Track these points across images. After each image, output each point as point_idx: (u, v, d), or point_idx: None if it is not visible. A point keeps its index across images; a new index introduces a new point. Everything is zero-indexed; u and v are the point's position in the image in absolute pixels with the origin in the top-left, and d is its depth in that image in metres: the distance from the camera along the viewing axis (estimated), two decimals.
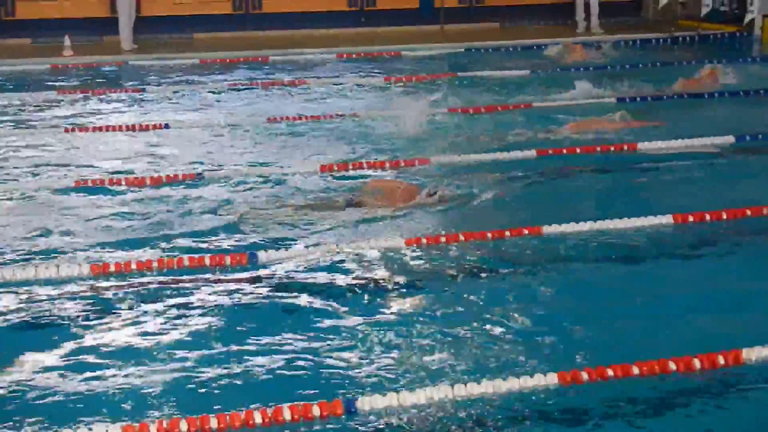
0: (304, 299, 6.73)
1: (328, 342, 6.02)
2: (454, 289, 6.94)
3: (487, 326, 6.24)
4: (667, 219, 8.15)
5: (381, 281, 7.05)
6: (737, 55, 17.67)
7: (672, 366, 5.50)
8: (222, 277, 7.12)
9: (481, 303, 6.64)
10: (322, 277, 7.10)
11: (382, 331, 6.17)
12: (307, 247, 7.64)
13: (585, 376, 5.37)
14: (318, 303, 6.65)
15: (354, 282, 7.05)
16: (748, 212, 8.36)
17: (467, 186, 9.24)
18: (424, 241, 7.68)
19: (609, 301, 6.77)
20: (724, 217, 8.27)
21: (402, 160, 10.15)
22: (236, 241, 7.87)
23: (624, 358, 5.54)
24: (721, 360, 5.60)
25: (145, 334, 6.19)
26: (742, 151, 10.64)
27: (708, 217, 8.26)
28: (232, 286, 6.94)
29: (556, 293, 6.87)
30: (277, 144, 11.25)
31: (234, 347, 5.94)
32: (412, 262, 7.41)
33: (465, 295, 6.75)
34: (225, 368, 5.68)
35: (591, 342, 6.03)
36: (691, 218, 8.21)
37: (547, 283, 7.03)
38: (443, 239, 7.73)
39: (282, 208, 8.67)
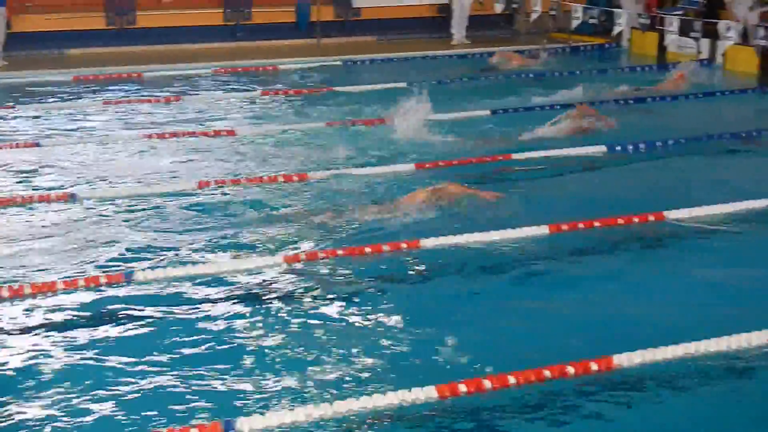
0: (187, 317, 6.68)
1: (208, 363, 5.98)
2: (328, 308, 6.94)
3: (364, 342, 6.28)
4: (542, 229, 8.32)
5: (256, 299, 7.03)
6: (607, 65, 18.14)
7: (547, 373, 5.61)
8: (97, 296, 7.03)
9: (357, 320, 6.68)
10: (195, 294, 7.06)
11: (262, 351, 6.15)
12: (184, 264, 7.58)
13: (463, 388, 5.43)
14: (197, 323, 6.61)
15: (229, 300, 7.01)
16: (620, 221, 8.59)
17: (342, 203, 9.27)
18: (303, 256, 7.70)
19: (486, 312, 6.87)
20: (597, 225, 8.48)
21: (281, 175, 10.12)
22: (113, 260, 7.76)
23: (499, 368, 5.63)
24: (594, 366, 5.73)
25: None
26: (614, 160, 10.88)
27: (581, 226, 8.45)
28: (109, 307, 6.85)
29: (435, 306, 6.95)
30: (153, 161, 11.09)
31: (108, 374, 5.86)
32: (293, 279, 7.41)
33: (339, 314, 6.78)
34: (97, 393, 5.60)
35: (468, 353, 6.12)
36: (565, 227, 8.39)
37: (424, 295, 7.11)
38: (321, 255, 7.74)
39: (160, 226, 8.59)
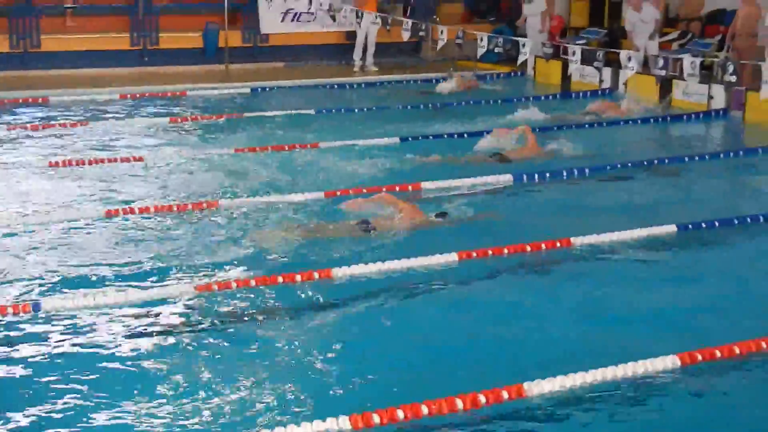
0: (95, 347, 6.61)
1: (112, 393, 5.94)
2: (241, 337, 6.91)
3: (276, 371, 6.29)
4: (452, 257, 8.42)
5: (166, 329, 7.00)
6: (514, 93, 18.42)
7: (459, 404, 5.67)
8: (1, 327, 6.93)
9: (268, 349, 6.68)
10: (103, 325, 6.99)
11: (169, 381, 6.14)
12: (92, 294, 7.50)
13: (376, 418, 5.47)
14: (104, 353, 6.55)
15: (138, 330, 6.97)
16: (529, 247, 8.75)
17: (253, 230, 9.27)
18: (215, 287, 7.68)
19: (396, 340, 6.93)
20: (506, 252, 8.61)
21: (190, 203, 10.08)
22: (18, 290, 7.64)
23: (414, 397, 5.69)
24: (504, 395, 5.82)
25: None
26: (520, 189, 11.06)
27: (490, 252, 8.58)
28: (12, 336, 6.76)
29: (345, 335, 6.99)
30: (59, 189, 10.91)
31: (8, 404, 5.78)
32: (204, 308, 7.39)
33: (251, 344, 6.76)
34: None
35: (383, 382, 6.18)
36: (474, 254, 8.50)
37: (335, 324, 7.15)
38: (234, 284, 7.73)
39: (66, 255, 8.49)
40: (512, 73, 20.18)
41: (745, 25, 17.06)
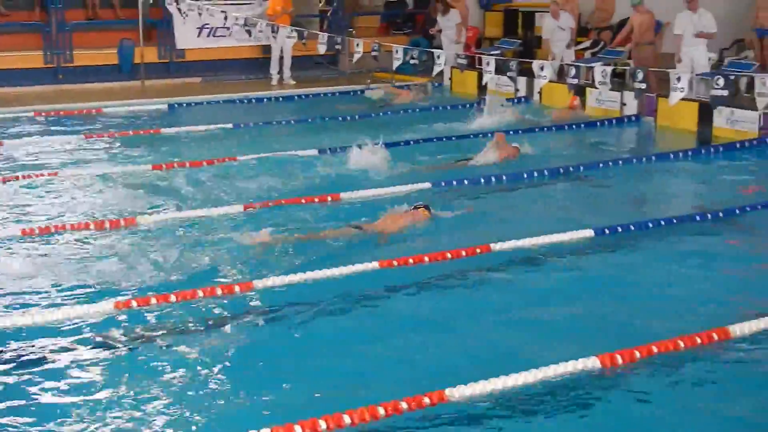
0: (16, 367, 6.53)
1: (38, 412, 5.86)
2: (164, 353, 6.88)
3: (194, 387, 6.29)
4: (373, 265, 8.46)
5: (83, 349, 6.92)
6: (431, 103, 18.56)
7: (381, 411, 5.70)
8: None
9: (189, 363, 6.67)
10: (22, 345, 6.91)
11: (86, 401, 6.08)
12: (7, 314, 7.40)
13: (298, 429, 5.47)
14: (25, 373, 6.47)
15: (57, 351, 6.89)
16: (449, 254, 8.82)
17: (171, 245, 9.23)
18: (134, 303, 7.61)
19: (318, 352, 6.94)
20: (427, 260, 8.67)
21: (107, 221, 9.98)
22: None
23: (336, 407, 5.70)
24: (426, 401, 5.86)
25: None
26: (439, 197, 11.13)
27: (411, 261, 8.63)
28: None
29: (265, 348, 6.99)
30: None
31: None
32: (123, 325, 7.32)
33: (175, 360, 6.73)
34: None
35: (304, 393, 6.19)
36: (395, 263, 8.55)
37: (252, 337, 7.15)
38: (154, 300, 7.67)
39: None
40: (429, 83, 20.30)
41: (642, 33, 17.45)
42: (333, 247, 9.15)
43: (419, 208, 9.87)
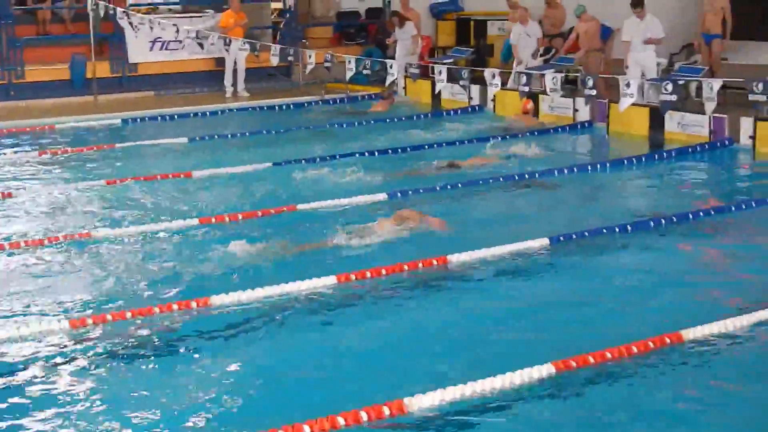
0: None
1: None
2: (115, 372, 6.86)
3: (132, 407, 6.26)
4: (330, 279, 8.48)
5: (38, 366, 6.87)
6: (386, 113, 18.58)
7: (341, 421, 5.73)
8: None
9: (142, 381, 6.66)
10: None
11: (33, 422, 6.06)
12: None
13: None
14: None
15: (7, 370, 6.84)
16: (406, 267, 8.86)
17: (128, 261, 9.20)
18: (89, 321, 7.57)
19: (284, 361, 6.99)
20: (384, 273, 8.70)
21: (61, 236, 9.92)
22: None
23: (295, 417, 5.73)
24: (386, 411, 5.90)
25: None
26: (395, 206, 11.15)
27: (369, 274, 8.66)
28: None
29: (210, 367, 6.96)
30: None
31: None
32: (79, 344, 7.29)
33: (125, 378, 6.73)
34: None
35: (262, 405, 6.23)
36: (353, 276, 8.58)
37: (210, 353, 7.14)
38: (109, 317, 7.64)
39: None
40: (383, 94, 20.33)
41: (588, 41, 17.64)
42: (287, 261, 9.16)
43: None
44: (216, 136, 16.25)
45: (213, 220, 10.52)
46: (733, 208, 10.93)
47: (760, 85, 12.58)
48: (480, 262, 9.10)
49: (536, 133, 15.89)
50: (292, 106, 19.88)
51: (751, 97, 12.75)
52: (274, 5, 25.89)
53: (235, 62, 20.92)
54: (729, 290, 8.40)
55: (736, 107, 14.82)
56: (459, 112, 18.41)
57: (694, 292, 8.39)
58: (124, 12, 20.66)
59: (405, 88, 20.40)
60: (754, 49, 18.43)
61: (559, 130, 16.20)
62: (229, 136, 16.48)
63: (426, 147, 14.80)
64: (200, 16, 22.03)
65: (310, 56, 18.94)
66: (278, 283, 8.29)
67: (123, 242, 9.81)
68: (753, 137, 14.08)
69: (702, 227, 10.34)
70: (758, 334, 7.32)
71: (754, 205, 11.11)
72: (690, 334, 7.16)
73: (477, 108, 18.45)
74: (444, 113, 18.51)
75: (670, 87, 13.96)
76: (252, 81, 21.39)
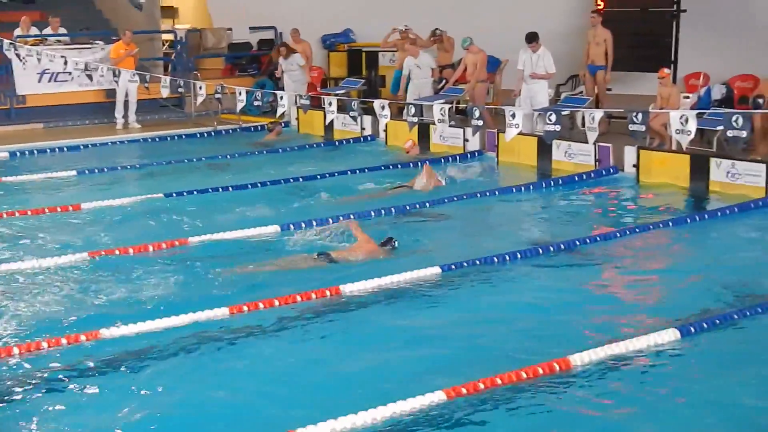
0: None
1: None
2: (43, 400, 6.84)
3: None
4: (222, 311, 8.49)
5: None
6: (279, 144, 18.61)
7: None
8: None
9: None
10: None
11: None
12: None
13: None
14: None
15: None
16: (299, 297, 8.91)
17: (12, 296, 9.07)
18: None
19: (173, 397, 6.98)
20: (277, 303, 8.73)
21: None
22: None
23: None
24: None
25: None
26: (285, 237, 11.18)
27: (262, 305, 8.67)
28: None
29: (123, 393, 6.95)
30: None
31: None
32: None
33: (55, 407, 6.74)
34: None
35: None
36: (246, 308, 8.59)
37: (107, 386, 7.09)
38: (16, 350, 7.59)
39: None
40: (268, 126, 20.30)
41: (476, 72, 17.95)
42: (180, 294, 9.13)
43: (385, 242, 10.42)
44: (106, 169, 16.06)
45: (102, 252, 10.41)
46: (619, 235, 11.21)
47: (639, 116, 12.92)
48: (372, 292, 9.18)
49: (428, 163, 16.02)
50: (184, 137, 19.77)
51: (631, 127, 13.08)
52: (165, 36, 25.80)
53: (127, 94, 20.75)
54: (617, 315, 8.62)
55: (621, 136, 15.20)
56: (351, 141, 18.53)
57: (583, 318, 8.59)
58: (11, 44, 20.36)
59: (297, 119, 20.43)
60: (637, 80, 18.98)
61: (450, 159, 16.39)
62: (119, 168, 16.31)
63: (318, 177, 14.84)
64: (89, 48, 21.79)
65: (200, 87, 18.90)
66: (168, 315, 8.29)
67: (8, 278, 9.65)
68: (636, 166, 14.48)
69: (590, 254, 10.56)
70: (645, 358, 7.52)
71: (637, 230, 11.41)
72: (578, 359, 7.33)
73: (369, 138, 18.58)
74: (336, 143, 18.60)
75: (554, 117, 14.25)
76: (144, 112, 21.23)
